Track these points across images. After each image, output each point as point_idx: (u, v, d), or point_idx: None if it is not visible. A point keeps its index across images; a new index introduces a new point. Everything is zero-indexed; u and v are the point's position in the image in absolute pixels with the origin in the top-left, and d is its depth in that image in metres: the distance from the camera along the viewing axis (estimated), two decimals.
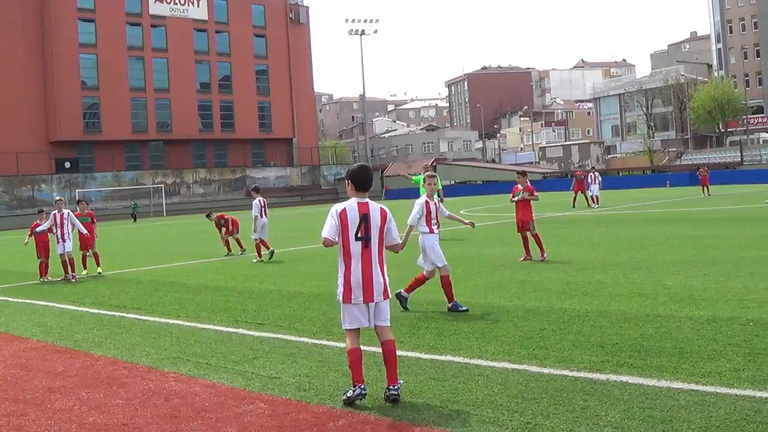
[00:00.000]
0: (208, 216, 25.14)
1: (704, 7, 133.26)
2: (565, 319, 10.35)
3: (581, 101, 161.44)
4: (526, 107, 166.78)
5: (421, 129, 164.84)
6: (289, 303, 13.45)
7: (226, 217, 24.71)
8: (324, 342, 9.84)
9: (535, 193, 17.69)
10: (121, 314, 13.58)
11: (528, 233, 17.49)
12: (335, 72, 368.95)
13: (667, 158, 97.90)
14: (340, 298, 7.37)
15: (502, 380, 7.49)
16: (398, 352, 8.61)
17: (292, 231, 36.94)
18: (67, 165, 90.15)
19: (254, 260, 21.76)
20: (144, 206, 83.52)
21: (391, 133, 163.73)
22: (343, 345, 9.39)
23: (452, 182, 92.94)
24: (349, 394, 7.02)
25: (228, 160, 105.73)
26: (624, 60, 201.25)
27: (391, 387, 7.00)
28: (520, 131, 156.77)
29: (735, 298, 11.24)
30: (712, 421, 6.00)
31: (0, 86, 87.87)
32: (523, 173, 18.24)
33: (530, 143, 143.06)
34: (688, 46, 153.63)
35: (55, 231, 20.41)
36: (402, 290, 11.97)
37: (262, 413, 6.93)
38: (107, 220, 74.00)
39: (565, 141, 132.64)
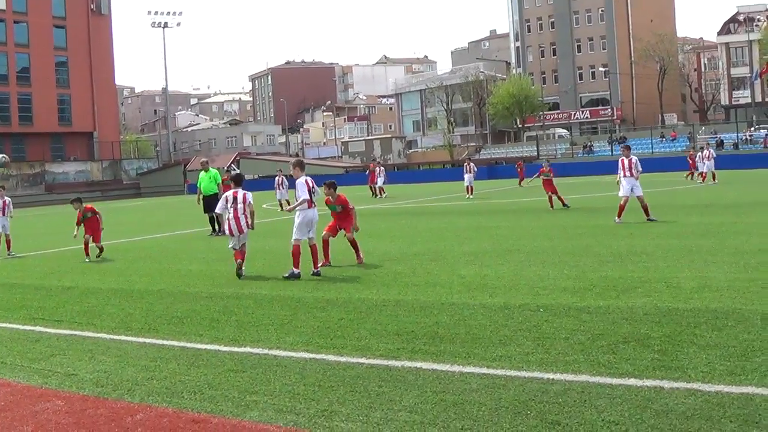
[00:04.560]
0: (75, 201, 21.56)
1: (504, 7, 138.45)
2: (362, 309, 10.53)
3: (383, 96, 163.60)
4: (329, 102, 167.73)
5: (224, 123, 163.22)
6: (88, 299, 13.04)
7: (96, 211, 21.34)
8: (123, 337, 9.61)
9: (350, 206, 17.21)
10: None
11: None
12: (138, 65, 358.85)
13: (466, 152, 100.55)
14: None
15: (300, 369, 7.57)
16: (198, 346, 8.62)
17: None
18: None
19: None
20: None
21: (194, 127, 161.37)
22: (141, 340, 9.32)
23: (256, 176, 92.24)
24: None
25: (26, 155, 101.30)
26: (426, 57, 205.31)
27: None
28: (323, 126, 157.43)
29: (527, 286, 11.74)
30: (502, 402, 6.26)
31: None
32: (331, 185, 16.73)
33: (333, 138, 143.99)
34: (487, 44, 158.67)
35: None
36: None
37: (59, 410, 6.78)
38: None
39: (368, 136, 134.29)
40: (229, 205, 14.76)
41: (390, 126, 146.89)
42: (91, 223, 20.35)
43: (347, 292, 11.95)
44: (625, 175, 21.57)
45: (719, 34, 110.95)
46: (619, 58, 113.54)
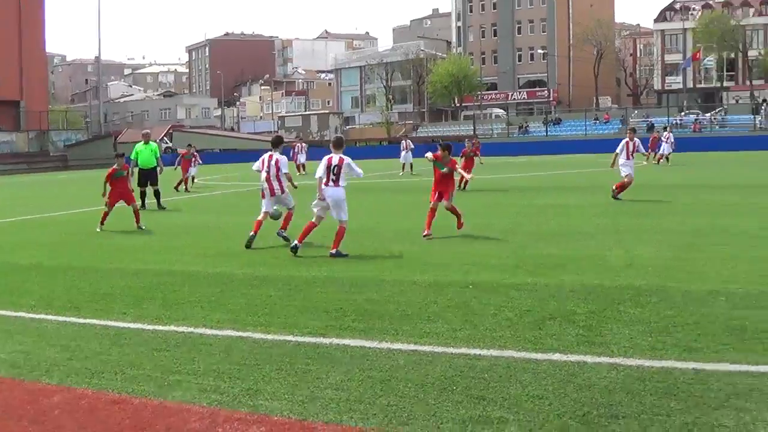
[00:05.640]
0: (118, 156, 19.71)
1: None
2: (292, 285, 10.48)
3: (323, 72, 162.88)
4: (267, 76, 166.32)
5: (158, 95, 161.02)
6: (6, 276, 12.55)
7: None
8: (43, 316, 9.33)
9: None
10: None
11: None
12: (70, 32, 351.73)
13: (404, 130, 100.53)
14: None
15: (226, 348, 7.49)
16: (121, 324, 8.43)
17: (17, 200, 35.07)
18: None
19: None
20: None
21: (127, 99, 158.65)
22: (63, 318, 9.11)
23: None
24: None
25: None
26: (367, 33, 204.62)
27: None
28: (260, 100, 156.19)
29: (458, 263, 11.84)
30: (428, 378, 6.31)
31: None
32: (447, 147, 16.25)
33: (270, 112, 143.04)
34: (429, 22, 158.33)
35: None
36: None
37: None
38: None
39: (305, 111, 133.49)
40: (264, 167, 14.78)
41: (328, 102, 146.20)
42: (120, 184, 18.94)
43: (277, 269, 11.87)
44: (627, 158, 21.73)
45: (656, 21, 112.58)
46: (558, 41, 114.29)
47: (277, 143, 15.30)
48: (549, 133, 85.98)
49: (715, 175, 33.01)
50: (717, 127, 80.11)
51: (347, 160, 13.45)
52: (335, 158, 13.41)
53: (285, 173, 14.79)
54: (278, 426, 5.48)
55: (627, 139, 21.98)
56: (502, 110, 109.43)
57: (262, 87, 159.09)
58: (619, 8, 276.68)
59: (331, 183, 13.29)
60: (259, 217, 14.65)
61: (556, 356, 6.79)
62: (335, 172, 13.30)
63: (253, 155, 43.69)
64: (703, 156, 49.19)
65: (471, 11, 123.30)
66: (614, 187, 21.31)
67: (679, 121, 78.35)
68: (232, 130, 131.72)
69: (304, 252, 13.35)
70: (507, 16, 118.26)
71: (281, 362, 6.90)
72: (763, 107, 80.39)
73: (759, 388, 5.86)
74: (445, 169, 15.57)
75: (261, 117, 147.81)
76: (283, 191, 14.83)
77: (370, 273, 11.23)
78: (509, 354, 6.92)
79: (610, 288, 9.51)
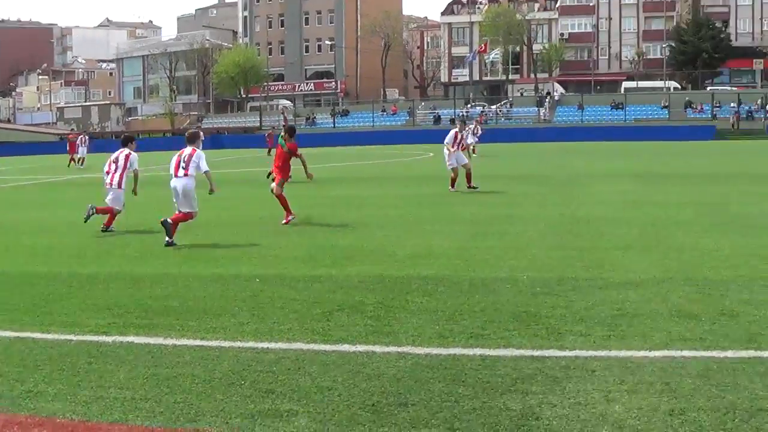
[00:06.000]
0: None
1: None
2: (72, 283, 10.10)
3: (104, 61, 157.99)
4: (45, 65, 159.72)
5: None
6: None
7: None
8: None
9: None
10: None
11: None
12: None
13: (188, 121, 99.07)
14: None
15: (3, 349, 7.16)
16: None
17: None
18: None
19: None
20: None
21: None
22: None
23: None
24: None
25: None
26: (150, 21, 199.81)
27: None
28: (37, 90, 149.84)
29: (245, 256, 11.83)
30: (215, 373, 6.25)
31: None
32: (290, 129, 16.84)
33: (48, 103, 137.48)
34: (215, 11, 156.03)
35: None
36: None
37: None
38: None
39: (85, 101, 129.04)
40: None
41: (109, 92, 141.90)
42: None
43: (56, 266, 11.44)
44: (455, 149, 21.80)
45: (443, 14, 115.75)
46: (346, 33, 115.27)
47: (127, 141, 16.10)
48: (337, 124, 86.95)
49: (503, 166, 34.36)
50: (503, 119, 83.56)
51: (200, 152, 13.60)
52: (187, 149, 13.52)
53: (135, 169, 15.37)
54: (61, 428, 5.28)
55: (456, 129, 22.35)
56: (289, 101, 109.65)
57: (40, 77, 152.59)
58: (407, 1, 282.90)
59: (181, 172, 13.30)
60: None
61: (345, 347, 6.87)
62: (185, 160, 13.35)
63: (31, 147, 42.11)
64: (490, 147, 50.78)
65: (258, 1, 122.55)
66: (466, 180, 21.71)
67: (465, 113, 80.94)
68: (9, 122, 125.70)
69: (82, 249, 12.96)
70: (294, 7, 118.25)
71: (62, 362, 6.65)
72: (546, 100, 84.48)
73: (543, 371, 6.11)
74: (285, 148, 15.97)
75: (39, 108, 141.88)
76: (120, 187, 15.14)
77: (154, 269, 11.00)
78: (297, 346, 6.95)
79: (398, 278, 9.70)
